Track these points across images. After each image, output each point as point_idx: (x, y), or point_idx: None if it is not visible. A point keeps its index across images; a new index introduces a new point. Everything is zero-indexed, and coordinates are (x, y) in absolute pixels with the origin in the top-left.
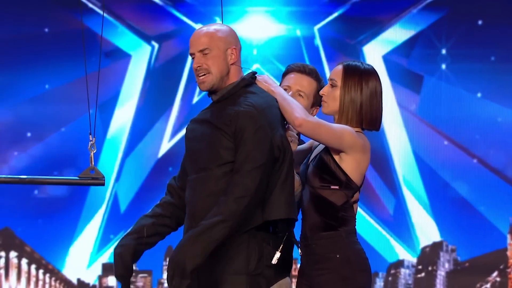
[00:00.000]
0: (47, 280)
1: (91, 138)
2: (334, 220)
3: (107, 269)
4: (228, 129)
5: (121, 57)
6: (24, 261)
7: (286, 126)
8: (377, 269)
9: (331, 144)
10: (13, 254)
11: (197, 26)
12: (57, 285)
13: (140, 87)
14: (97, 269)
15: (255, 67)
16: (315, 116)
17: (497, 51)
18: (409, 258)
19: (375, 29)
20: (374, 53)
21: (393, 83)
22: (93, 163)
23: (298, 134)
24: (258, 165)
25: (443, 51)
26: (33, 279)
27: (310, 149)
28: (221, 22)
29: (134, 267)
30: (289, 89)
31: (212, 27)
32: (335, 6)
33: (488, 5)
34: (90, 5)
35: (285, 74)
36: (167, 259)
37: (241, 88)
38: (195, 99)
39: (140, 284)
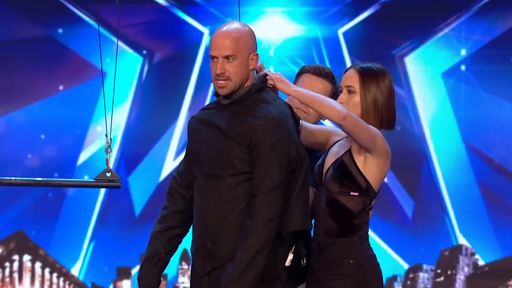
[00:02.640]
0: (61, 283)
1: (107, 140)
2: (349, 226)
3: (121, 273)
4: (242, 141)
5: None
6: (37, 265)
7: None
8: (395, 273)
9: (364, 144)
10: (26, 258)
11: (205, 29)
12: None
13: (134, 96)
14: (112, 273)
15: (271, 68)
16: None
17: None
18: (428, 262)
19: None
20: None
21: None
22: (109, 165)
23: None
24: (278, 182)
25: (463, 52)
26: (46, 283)
27: (322, 136)
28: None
29: None
30: None
31: (236, 29)
32: (354, 8)
33: (508, 6)
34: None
35: (299, 74)
36: (182, 263)
37: (253, 94)
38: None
39: None
